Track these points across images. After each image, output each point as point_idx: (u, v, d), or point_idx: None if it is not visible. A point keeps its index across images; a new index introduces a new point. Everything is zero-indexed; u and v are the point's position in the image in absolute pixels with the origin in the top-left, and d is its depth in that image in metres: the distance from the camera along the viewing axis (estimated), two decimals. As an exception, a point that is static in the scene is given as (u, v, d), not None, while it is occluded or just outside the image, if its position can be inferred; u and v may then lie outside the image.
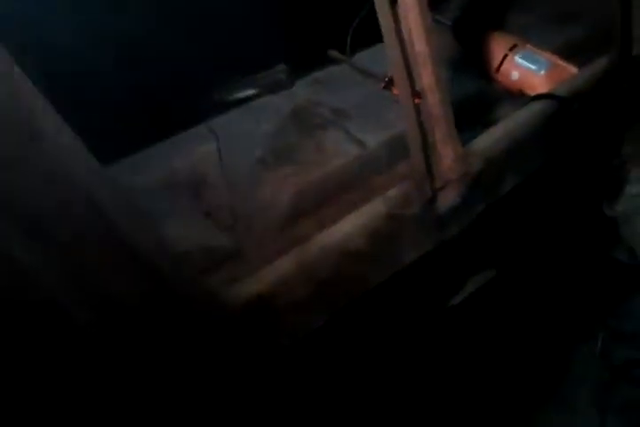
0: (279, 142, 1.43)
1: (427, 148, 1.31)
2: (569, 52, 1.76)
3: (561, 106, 1.55)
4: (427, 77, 1.27)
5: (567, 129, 1.58)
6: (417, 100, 1.28)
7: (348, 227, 1.22)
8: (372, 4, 1.14)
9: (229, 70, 1.56)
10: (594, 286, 1.98)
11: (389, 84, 1.58)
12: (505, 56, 1.68)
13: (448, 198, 1.37)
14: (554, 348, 1.94)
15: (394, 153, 1.46)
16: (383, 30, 1.21)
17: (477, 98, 1.65)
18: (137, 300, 0.95)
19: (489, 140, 1.43)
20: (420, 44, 1.25)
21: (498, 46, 1.70)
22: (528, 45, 1.70)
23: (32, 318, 0.86)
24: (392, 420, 1.52)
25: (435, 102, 1.29)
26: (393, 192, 1.29)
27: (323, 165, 1.39)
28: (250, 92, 1.56)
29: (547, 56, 1.68)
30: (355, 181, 1.41)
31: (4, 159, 0.78)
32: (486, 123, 1.56)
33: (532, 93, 1.64)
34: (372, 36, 1.73)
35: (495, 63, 1.69)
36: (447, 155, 1.33)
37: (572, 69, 1.66)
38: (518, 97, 1.67)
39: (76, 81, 1.41)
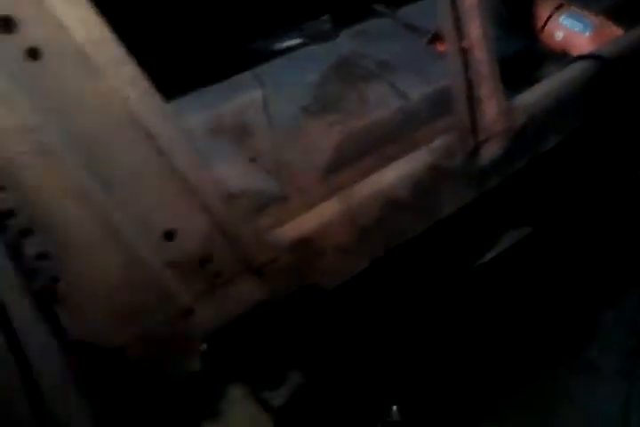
0: (323, 92, 1.44)
1: (472, 101, 1.31)
2: (614, 15, 1.75)
3: (604, 67, 1.55)
4: (474, 32, 1.28)
5: (609, 90, 1.58)
6: (464, 55, 1.28)
7: (392, 176, 1.24)
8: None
9: (275, 19, 1.56)
10: (624, 251, 1.96)
11: (434, 39, 1.59)
12: (549, 16, 1.67)
13: (490, 151, 1.38)
14: (582, 311, 1.91)
15: (436, 107, 1.47)
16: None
17: (521, 57, 1.64)
18: (195, 238, 0.98)
19: (532, 97, 1.44)
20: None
21: (542, 6, 1.69)
22: (573, 6, 1.68)
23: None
24: (417, 370, 1.56)
25: (481, 57, 1.30)
26: (437, 143, 1.30)
27: (366, 116, 1.40)
28: (294, 41, 1.56)
29: (592, 17, 1.67)
30: (396, 133, 1.41)
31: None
32: (530, 81, 1.56)
33: (575, 52, 1.64)
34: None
35: (540, 23, 1.68)
36: (491, 109, 1.34)
37: (618, 31, 1.65)
38: (562, 57, 1.67)
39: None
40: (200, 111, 1.40)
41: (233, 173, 1.30)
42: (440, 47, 1.58)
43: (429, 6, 1.66)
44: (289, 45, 1.56)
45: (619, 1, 1.80)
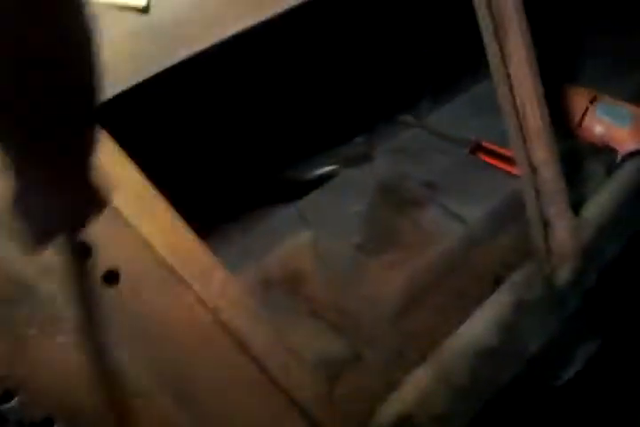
0: (375, 224, 1.35)
1: (545, 225, 1.23)
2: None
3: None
4: (541, 152, 1.20)
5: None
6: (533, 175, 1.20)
7: (478, 323, 1.13)
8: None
9: (307, 146, 1.47)
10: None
11: (475, 148, 1.50)
12: (586, 110, 1.60)
13: (565, 274, 1.28)
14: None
15: (493, 225, 1.38)
16: (501, 103, 1.15)
17: (564, 155, 1.56)
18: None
19: (596, 207, 1.35)
20: (534, 117, 1.18)
21: (576, 100, 1.62)
22: (607, 97, 1.62)
23: None
24: None
25: (549, 177, 1.22)
26: (516, 277, 1.20)
27: (426, 248, 1.31)
28: (330, 167, 1.47)
29: (628, 107, 1.60)
30: (460, 261, 1.32)
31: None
32: (577, 181, 1.48)
33: (618, 147, 1.57)
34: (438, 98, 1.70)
35: (576, 118, 1.61)
36: (562, 229, 1.26)
37: (657, 119, 1.58)
38: (604, 151, 1.59)
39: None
40: (246, 262, 1.29)
41: (297, 337, 1.17)
42: (483, 156, 1.50)
43: (458, 110, 1.61)
44: (325, 173, 1.46)
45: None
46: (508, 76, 1.17)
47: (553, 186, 1.23)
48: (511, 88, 1.18)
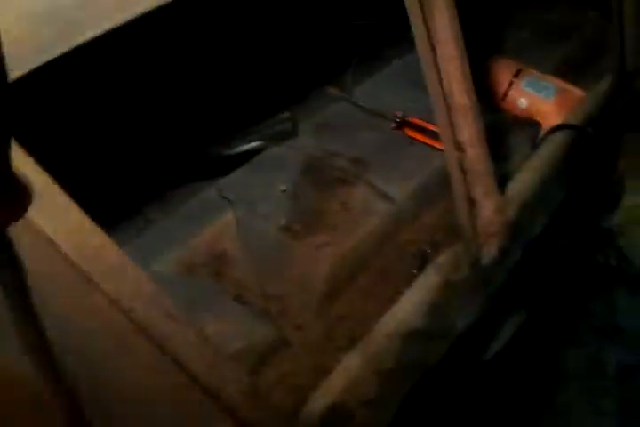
0: (302, 205, 1.30)
1: (471, 205, 1.21)
2: (566, 70, 1.69)
3: (579, 135, 1.48)
4: (468, 130, 1.18)
5: (586, 157, 1.52)
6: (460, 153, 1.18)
7: (406, 306, 1.12)
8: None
9: (228, 122, 1.41)
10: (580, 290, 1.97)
11: (401, 124, 1.47)
12: (511, 83, 1.59)
13: (490, 252, 1.28)
14: (546, 354, 1.92)
15: (420, 203, 1.37)
16: (427, 81, 1.12)
17: (488, 128, 1.55)
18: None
19: (521, 184, 1.35)
20: (460, 95, 1.15)
21: (502, 72, 1.61)
22: (532, 70, 1.61)
23: None
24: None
25: (476, 156, 1.20)
26: (443, 258, 1.19)
27: (354, 228, 1.28)
28: (253, 144, 1.41)
29: (553, 80, 1.60)
30: (387, 240, 1.30)
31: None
32: (502, 155, 1.49)
33: (542, 120, 1.57)
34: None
35: (501, 91, 1.60)
36: (488, 208, 1.25)
37: (579, 93, 1.59)
38: (527, 124, 1.59)
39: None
40: (170, 248, 1.23)
41: (221, 320, 1.13)
42: (409, 132, 1.47)
43: (383, 82, 1.57)
44: (248, 149, 1.40)
45: (568, 56, 1.74)
46: (434, 52, 1.14)
47: (479, 165, 1.22)
48: (437, 65, 1.15)
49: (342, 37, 1.63)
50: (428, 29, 1.13)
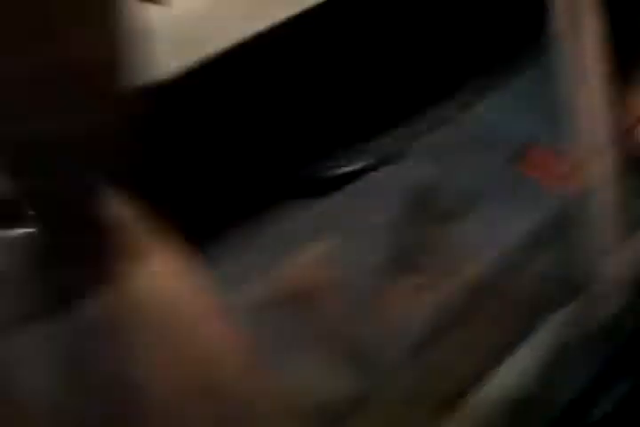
0: (401, 240, 1.18)
1: (598, 254, 1.07)
2: None
3: None
4: (603, 168, 1.04)
5: None
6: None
7: (513, 370, 0.98)
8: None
9: (330, 141, 1.30)
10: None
11: (516, 156, 1.33)
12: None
13: (614, 312, 1.13)
14: None
15: (534, 248, 1.22)
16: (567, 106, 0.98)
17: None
18: None
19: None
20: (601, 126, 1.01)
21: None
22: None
23: None
24: None
25: (609, 198, 1.06)
26: (560, 316, 1.05)
27: (459, 270, 1.15)
28: (356, 166, 1.30)
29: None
30: (494, 286, 1.16)
31: None
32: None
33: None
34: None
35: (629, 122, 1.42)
36: (616, 260, 1.09)
37: None
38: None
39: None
40: (252, 277, 1.13)
41: (300, 369, 1.03)
42: (526, 169, 1.33)
43: (505, 105, 1.42)
44: (349, 171, 1.29)
45: None
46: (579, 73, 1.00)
47: (611, 209, 1.07)
48: (577, 90, 1.01)
49: (462, 52, 1.49)
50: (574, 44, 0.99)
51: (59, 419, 0.60)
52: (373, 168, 1.32)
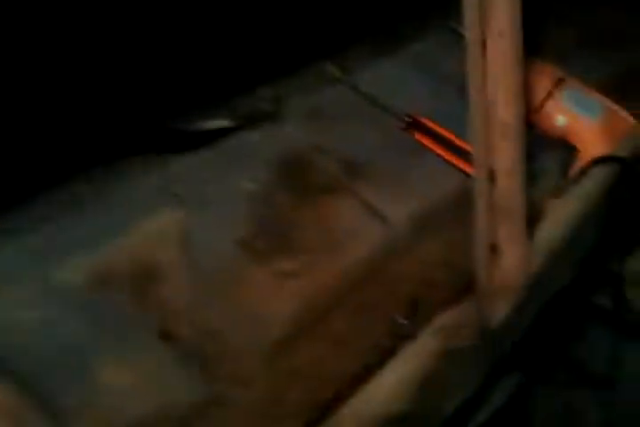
0: (270, 214, 0.99)
1: (493, 251, 0.91)
2: (613, 87, 1.40)
3: (624, 172, 1.19)
4: (506, 156, 0.88)
5: (628, 198, 1.23)
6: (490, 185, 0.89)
7: (390, 380, 0.81)
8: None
9: (192, 94, 1.08)
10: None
11: (412, 125, 1.16)
12: (549, 94, 1.28)
13: (502, 311, 0.98)
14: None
15: (420, 232, 1.06)
16: (469, 83, 0.81)
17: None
18: None
19: (552, 228, 1.06)
20: (505, 110, 0.85)
21: (540, 79, 1.30)
22: (576, 81, 1.31)
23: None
24: None
25: (509, 190, 0.91)
26: (446, 318, 0.89)
27: (333, 256, 0.96)
28: (220, 122, 1.08)
29: (600, 98, 1.31)
30: (373, 276, 0.99)
31: None
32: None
33: (580, 144, 1.28)
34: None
35: (535, 101, 1.29)
36: (511, 257, 0.95)
37: (628, 119, 1.30)
38: (561, 147, 1.29)
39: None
40: (83, 248, 0.90)
41: (135, 370, 0.82)
42: (419, 137, 1.16)
43: (398, 70, 1.26)
44: (213, 128, 1.07)
45: (619, 69, 1.44)
46: (484, 56, 0.84)
47: (511, 202, 0.92)
48: (484, 65, 0.85)
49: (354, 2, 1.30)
50: (483, 13, 0.83)
51: None
52: (243, 128, 1.11)
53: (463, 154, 1.09)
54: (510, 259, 0.94)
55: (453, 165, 1.11)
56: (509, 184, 0.90)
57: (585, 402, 1.67)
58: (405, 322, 0.96)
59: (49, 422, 0.73)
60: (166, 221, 0.96)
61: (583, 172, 1.17)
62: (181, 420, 0.81)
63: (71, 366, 0.78)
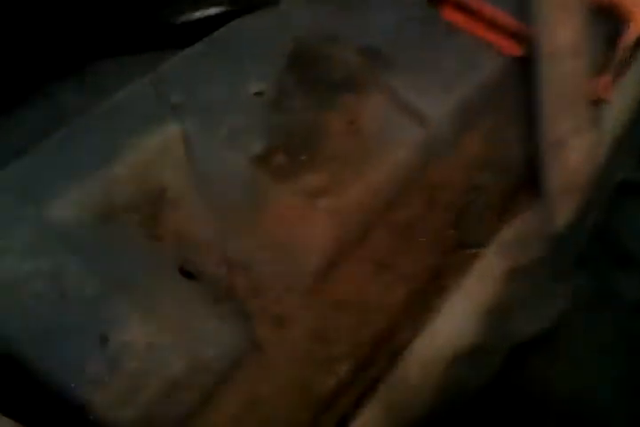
0: (287, 121, 0.83)
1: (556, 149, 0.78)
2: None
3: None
4: (570, 31, 0.74)
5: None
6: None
7: (458, 313, 0.70)
8: None
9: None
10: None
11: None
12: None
13: (569, 211, 0.86)
14: None
15: (458, 131, 0.91)
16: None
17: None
18: None
19: (615, 115, 0.91)
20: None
21: None
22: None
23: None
24: None
25: (574, 71, 0.77)
26: (509, 233, 0.76)
27: (367, 168, 0.82)
28: (212, 10, 0.89)
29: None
30: (414, 185, 0.85)
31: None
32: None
33: (632, 18, 1.10)
34: None
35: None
36: (577, 149, 0.82)
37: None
38: (607, 19, 1.11)
39: None
40: (77, 178, 0.74)
41: (153, 319, 0.69)
42: (450, 14, 0.98)
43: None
44: (204, 17, 0.88)
45: None
46: None
47: (576, 88, 0.77)
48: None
49: None
50: None
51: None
52: (239, 14, 0.92)
53: (505, 31, 0.92)
54: (576, 153, 0.80)
55: (492, 46, 0.94)
56: (575, 65, 0.75)
57: (620, 282, 1.58)
58: (454, 233, 0.83)
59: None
60: (168, 138, 0.79)
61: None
62: (218, 373, 0.69)
63: (86, 327, 0.65)
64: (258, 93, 0.84)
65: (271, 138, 0.81)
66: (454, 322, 0.70)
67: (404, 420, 0.65)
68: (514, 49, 0.90)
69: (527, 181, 0.88)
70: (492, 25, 0.92)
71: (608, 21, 1.09)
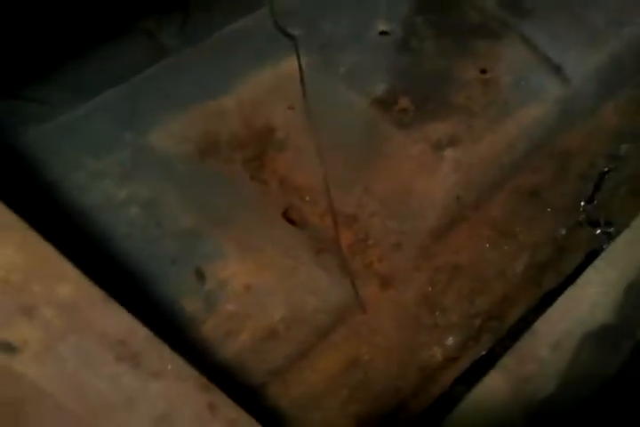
0: (415, 64, 0.74)
1: None
2: None
3: None
4: None
5: None
6: None
7: (593, 289, 0.61)
8: None
9: None
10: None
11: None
12: None
13: None
14: None
15: (599, 92, 0.81)
16: None
17: None
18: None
19: None
20: None
21: None
22: None
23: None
24: None
25: None
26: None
27: (498, 123, 0.73)
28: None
29: None
30: (544, 146, 0.76)
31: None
32: None
33: None
34: None
35: None
36: None
37: None
38: None
39: None
40: (181, 109, 0.68)
41: (250, 268, 0.63)
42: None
43: None
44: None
45: None
46: None
47: None
48: None
49: None
50: None
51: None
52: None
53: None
54: None
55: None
56: None
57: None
58: (587, 207, 0.74)
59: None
60: (282, 74, 0.72)
61: None
62: (319, 327, 0.63)
63: (182, 259, 0.60)
64: (384, 33, 0.76)
65: (395, 81, 0.73)
66: (589, 296, 0.61)
67: (527, 392, 0.58)
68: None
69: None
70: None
71: None
